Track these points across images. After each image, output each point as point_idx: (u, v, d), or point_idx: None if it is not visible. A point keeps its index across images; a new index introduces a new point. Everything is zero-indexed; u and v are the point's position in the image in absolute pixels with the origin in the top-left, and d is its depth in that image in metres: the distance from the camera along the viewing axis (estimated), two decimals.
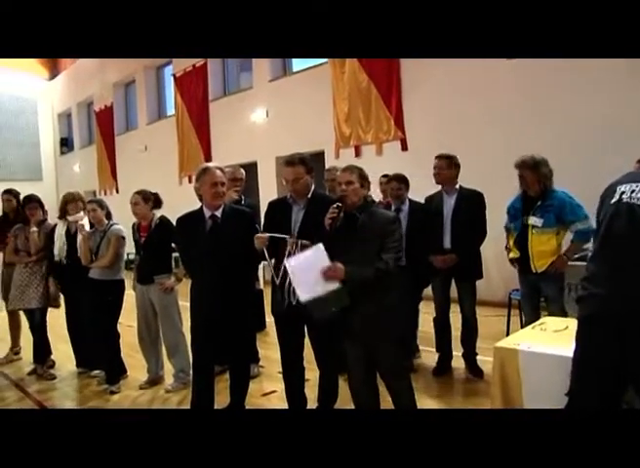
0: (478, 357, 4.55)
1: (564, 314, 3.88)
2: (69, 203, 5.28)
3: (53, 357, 5.59)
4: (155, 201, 4.68)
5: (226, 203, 3.65)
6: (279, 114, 10.42)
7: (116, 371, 4.85)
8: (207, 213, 3.53)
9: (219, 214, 3.53)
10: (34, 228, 5.31)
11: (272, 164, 10.59)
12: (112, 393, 4.67)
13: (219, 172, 3.52)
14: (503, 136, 7.09)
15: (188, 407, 3.74)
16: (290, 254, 3.14)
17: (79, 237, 5.01)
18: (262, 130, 10.77)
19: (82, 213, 5.22)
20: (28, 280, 5.26)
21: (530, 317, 4.15)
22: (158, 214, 4.69)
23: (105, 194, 15.98)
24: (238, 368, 3.73)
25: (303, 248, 3.10)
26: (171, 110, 13.50)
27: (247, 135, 11.08)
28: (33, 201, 5.40)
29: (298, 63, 10.31)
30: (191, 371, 3.80)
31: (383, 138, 8.72)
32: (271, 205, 3.66)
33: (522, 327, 4.46)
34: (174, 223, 3.88)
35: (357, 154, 9.13)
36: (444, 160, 4.54)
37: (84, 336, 5.18)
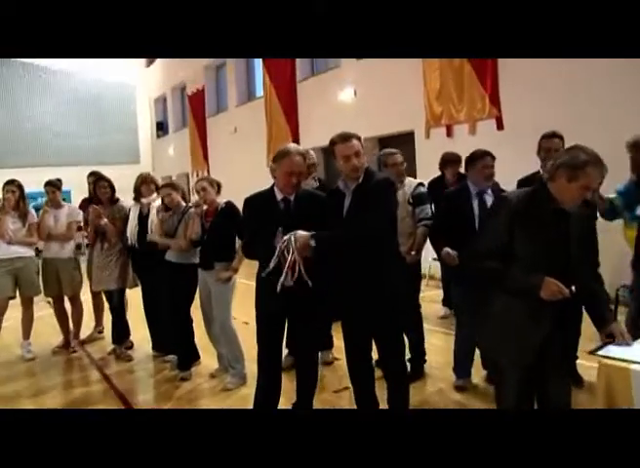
0: (578, 361, 4.01)
1: None
2: (142, 185, 5.24)
3: (132, 338, 5.61)
4: (218, 187, 4.53)
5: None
6: (367, 93, 10.00)
7: (188, 357, 4.74)
8: (279, 195, 3.27)
9: (291, 197, 3.26)
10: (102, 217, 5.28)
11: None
12: (182, 380, 4.57)
13: (298, 158, 3.20)
14: (609, 121, 6.30)
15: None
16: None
17: (150, 220, 4.94)
18: (350, 110, 10.40)
19: (155, 195, 5.16)
20: (105, 262, 5.28)
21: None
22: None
23: (197, 176, 16.29)
24: (306, 363, 3.44)
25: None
26: (260, 92, 13.43)
27: (334, 115, 10.74)
28: (101, 180, 5.40)
29: None
30: (254, 367, 3.56)
31: (477, 117, 8.09)
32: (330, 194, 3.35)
33: (629, 330, 3.85)
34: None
35: (449, 134, 8.57)
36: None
37: (159, 320, 5.14)
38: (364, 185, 3.04)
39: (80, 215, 5.62)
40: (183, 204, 4.83)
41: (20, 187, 5.48)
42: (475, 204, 3.80)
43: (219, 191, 4.60)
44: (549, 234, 2.34)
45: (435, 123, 8.77)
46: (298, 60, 11.69)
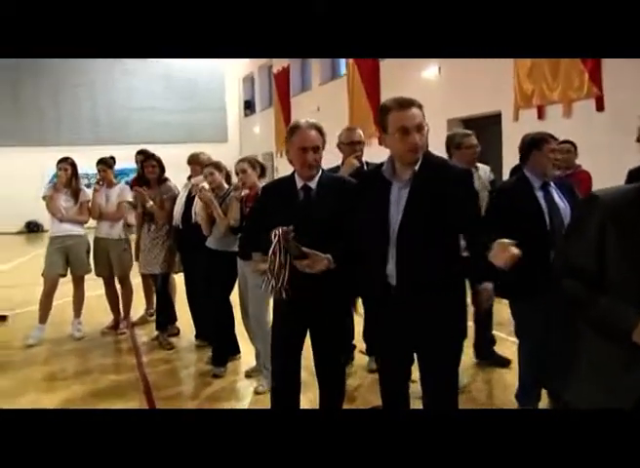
0: None
1: None
2: (190, 164, 4.99)
3: (178, 324, 5.41)
4: (262, 169, 4.13)
5: (324, 172, 2.85)
6: (452, 71, 9.24)
7: (223, 351, 4.43)
8: (299, 182, 2.77)
9: (313, 184, 2.75)
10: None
11: (443, 127, 9.50)
12: (215, 376, 4.27)
13: (313, 132, 2.69)
14: None
15: None
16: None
17: (195, 201, 4.66)
18: (434, 89, 9.68)
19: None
20: (151, 245, 5.10)
21: None
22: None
23: (281, 156, 16.14)
24: (329, 380, 2.91)
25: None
26: (343, 70, 12.96)
27: (417, 95, 9.89)
28: (149, 158, 5.17)
29: None
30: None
31: (574, 97, 7.16)
32: (365, 178, 2.75)
33: None
34: None
35: (540, 116, 7.68)
36: None
37: (201, 308, 4.89)
38: (426, 174, 2.34)
39: (130, 195, 5.45)
40: (226, 186, 4.50)
41: (73, 165, 5.39)
42: (542, 199, 3.14)
43: (262, 174, 4.23)
44: None
45: (525, 103, 7.90)
46: None
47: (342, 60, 13.01)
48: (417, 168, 2.35)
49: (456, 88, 9.04)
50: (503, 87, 8.07)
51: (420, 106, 2.36)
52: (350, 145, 3.99)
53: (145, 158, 5.29)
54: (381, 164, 2.48)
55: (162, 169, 5.21)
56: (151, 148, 5.54)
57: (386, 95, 11.09)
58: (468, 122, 9.05)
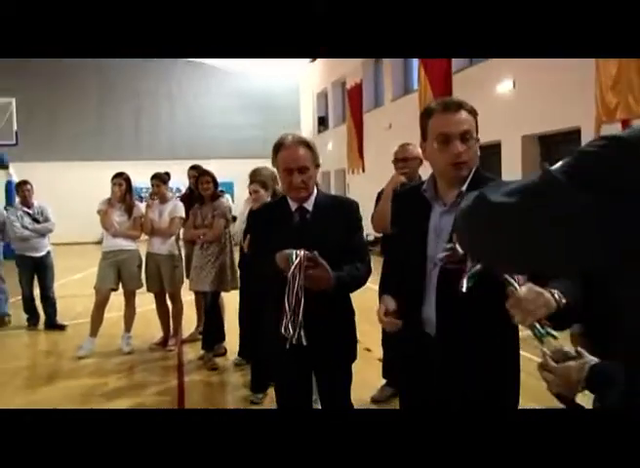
0: None
1: None
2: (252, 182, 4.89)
3: (226, 344, 5.28)
4: (274, 190, 4.02)
5: (321, 192, 2.55)
6: (528, 84, 8.73)
7: (263, 376, 4.23)
8: (292, 204, 2.46)
9: (309, 205, 2.45)
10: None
11: (517, 143, 9.02)
12: (252, 403, 4.07)
13: (300, 150, 2.35)
14: None
15: None
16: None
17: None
18: (508, 104, 9.21)
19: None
20: (203, 261, 5.02)
21: None
22: None
23: (353, 173, 15.98)
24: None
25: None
26: (416, 85, 12.65)
27: (490, 110, 9.58)
28: (204, 174, 5.10)
29: None
30: None
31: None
32: (402, 198, 2.31)
33: None
34: None
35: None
36: None
37: (251, 326, 4.73)
38: None
39: (183, 211, 5.41)
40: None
41: (128, 180, 5.42)
42: None
43: (275, 194, 4.12)
44: None
45: (608, 118, 7.29)
46: None
47: (415, 75, 12.71)
48: (464, 188, 1.89)
49: (531, 102, 8.53)
50: (583, 100, 7.50)
51: (471, 111, 1.93)
52: (402, 161, 3.80)
53: (200, 174, 5.24)
54: (423, 182, 2.08)
55: (215, 185, 5.14)
56: (227, 164, 5.50)
57: None
58: (545, 138, 8.53)
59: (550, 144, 8.74)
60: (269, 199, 4.33)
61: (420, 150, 3.97)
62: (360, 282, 2.44)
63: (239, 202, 5.30)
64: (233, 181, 15.37)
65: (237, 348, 5.02)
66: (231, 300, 5.34)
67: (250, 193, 4.43)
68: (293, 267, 2.21)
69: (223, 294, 5.31)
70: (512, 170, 8.84)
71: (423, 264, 1.94)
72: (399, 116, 13.19)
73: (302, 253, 2.22)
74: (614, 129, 7.13)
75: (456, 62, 10.75)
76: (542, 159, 9.28)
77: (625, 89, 7.01)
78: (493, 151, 9.84)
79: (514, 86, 9.02)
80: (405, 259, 2.06)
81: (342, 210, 2.50)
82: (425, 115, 1.96)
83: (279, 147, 2.40)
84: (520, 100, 8.85)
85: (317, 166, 2.46)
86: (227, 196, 5.62)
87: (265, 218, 2.59)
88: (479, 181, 1.85)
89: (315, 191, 2.49)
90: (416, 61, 12.49)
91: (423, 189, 2.00)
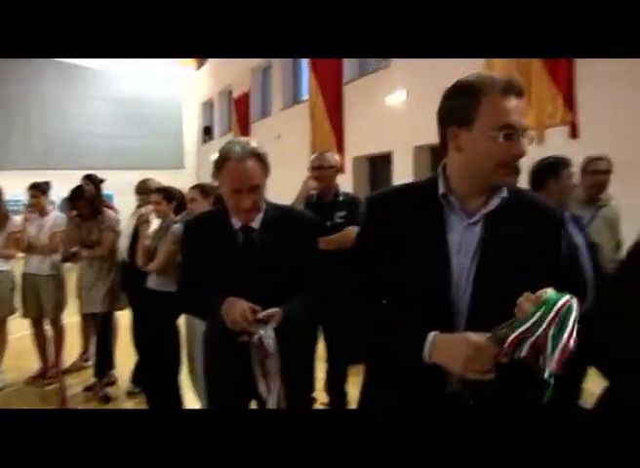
0: None
1: None
2: (139, 193, 4.51)
3: (117, 372, 4.72)
4: (217, 198, 3.61)
5: (270, 205, 2.16)
6: (421, 96, 8.89)
7: (161, 404, 3.77)
8: (235, 221, 2.10)
9: (255, 223, 2.09)
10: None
11: (409, 154, 9.14)
12: None
13: (249, 165, 1.97)
14: None
15: None
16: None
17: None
18: (400, 114, 9.32)
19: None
20: (92, 281, 4.47)
21: None
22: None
23: None
24: None
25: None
26: (306, 95, 12.59)
27: (383, 121, 9.70)
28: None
29: None
30: None
31: (547, 122, 6.85)
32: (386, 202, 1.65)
33: None
34: None
35: None
36: None
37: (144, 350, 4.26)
38: (513, 206, 1.51)
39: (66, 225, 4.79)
40: (172, 216, 3.91)
41: None
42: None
43: (217, 203, 3.69)
44: None
45: None
46: (346, 60, 10.72)
47: (305, 85, 12.64)
48: (504, 194, 1.50)
49: (425, 113, 8.66)
50: None
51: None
52: (317, 170, 3.57)
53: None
54: (424, 182, 1.60)
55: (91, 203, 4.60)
56: (104, 175, 4.95)
57: (350, 120, 10.74)
58: (437, 150, 8.70)
59: (443, 155, 8.95)
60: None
61: (337, 158, 3.83)
62: (311, 316, 2.14)
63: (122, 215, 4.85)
64: (112, 194, 14.42)
65: (129, 376, 4.52)
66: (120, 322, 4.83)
67: (149, 205, 3.99)
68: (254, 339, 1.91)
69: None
70: (403, 181, 8.94)
71: (447, 290, 1.46)
72: (288, 126, 13.06)
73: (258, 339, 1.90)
74: None
75: (347, 72, 10.78)
76: (433, 170, 9.54)
77: None
78: (384, 161, 9.95)
79: (407, 96, 9.15)
80: (413, 284, 1.48)
81: (295, 226, 2.14)
82: (473, 92, 1.44)
83: (224, 160, 1.99)
84: (412, 111, 8.98)
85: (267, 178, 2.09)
86: (115, 208, 5.13)
87: (199, 236, 2.16)
88: (516, 191, 1.55)
89: (264, 206, 2.12)
90: (306, 71, 12.42)
91: (443, 193, 1.51)
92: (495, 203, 1.48)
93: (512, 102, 1.41)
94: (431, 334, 1.40)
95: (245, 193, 1.97)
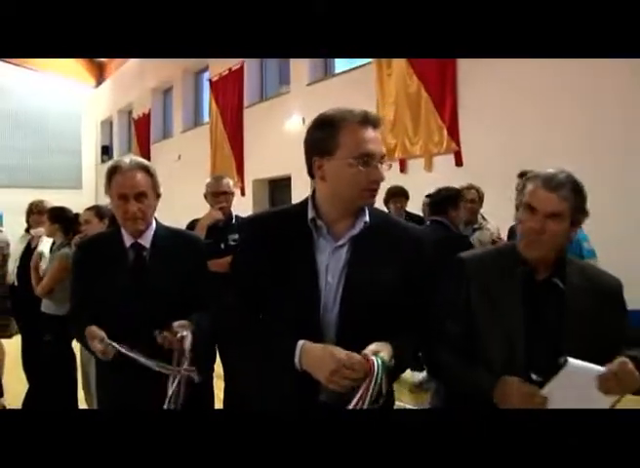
0: None
1: None
2: (32, 214, 4.31)
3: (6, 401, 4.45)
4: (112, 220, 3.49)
5: (160, 224, 2.19)
6: None
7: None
8: (127, 239, 2.10)
9: (146, 241, 2.10)
10: None
11: (307, 178, 9.23)
12: None
13: (137, 175, 2.02)
14: (582, 152, 5.47)
15: None
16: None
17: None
18: (298, 138, 9.40)
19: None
20: None
21: None
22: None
23: None
24: None
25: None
26: (207, 117, 12.53)
27: (281, 144, 9.81)
28: None
29: (340, 64, 9.00)
30: None
31: (434, 151, 7.22)
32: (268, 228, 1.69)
33: None
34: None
35: (402, 169, 7.66)
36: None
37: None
38: (376, 229, 1.63)
39: None
40: (61, 237, 3.74)
41: None
42: None
43: (112, 225, 3.58)
44: None
45: (388, 157, 7.79)
46: (246, 84, 10.80)
47: (206, 107, 12.58)
48: (367, 219, 1.60)
49: None
50: None
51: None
52: (222, 195, 3.52)
53: None
54: (296, 206, 1.70)
55: None
56: None
57: (250, 144, 10.78)
58: None
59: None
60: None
61: (231, 183, 3.78)
62: (208, 341, 2.12)
63: (11, 237, 4.62)
64: (2, 213, 13.57)
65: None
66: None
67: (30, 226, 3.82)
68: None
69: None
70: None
71: (314, 313, 1.55)
72: (189, 148, 12.93)
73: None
74: (392, 167, 7.71)
75: (248, 96, 10.84)
76: None
77: (402, 132, 7.64)
78: (284, 185, 10.04)
79: (304, 122, 9.31)
80: (280, 306, 1.59)
81: (186, 248, 2.15)
82: (333, 124, 1.55)
83: (114, 171, 2.04)
84: None
85: (158, 196, 2.11)
86: (3, 229, 4.85)
87: (91, 257, 2.12)
88: (376, 214, 1.65)
89: (154, 224, 2.13)
90: (207, 94, 12.37)
91: (312, 218, 1.59)
92: (359, 226, 1.59)
93: (369, 133, 1.54)
94: (301, 342, 1.49)
95: (131, 199, 2.01)
